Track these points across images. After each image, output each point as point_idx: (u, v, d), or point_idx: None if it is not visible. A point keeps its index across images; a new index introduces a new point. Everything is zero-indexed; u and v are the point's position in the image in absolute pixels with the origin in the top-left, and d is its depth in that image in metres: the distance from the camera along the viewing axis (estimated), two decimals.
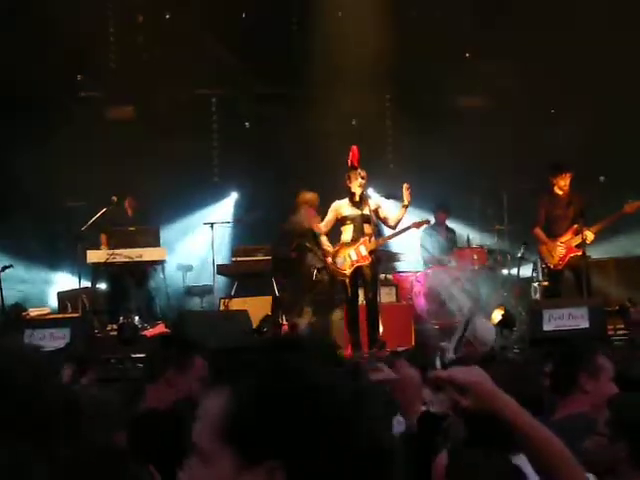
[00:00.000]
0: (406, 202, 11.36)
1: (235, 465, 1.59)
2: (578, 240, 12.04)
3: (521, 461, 2.42)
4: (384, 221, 11.58)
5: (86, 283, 13.66)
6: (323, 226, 11.64)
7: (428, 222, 12.69)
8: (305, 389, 1.62)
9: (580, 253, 12.05)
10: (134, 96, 16.63)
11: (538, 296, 13.34)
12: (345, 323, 11.64)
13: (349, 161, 11.45)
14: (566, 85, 15.51)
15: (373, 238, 11.31)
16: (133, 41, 16.69)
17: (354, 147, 11.52)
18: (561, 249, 12.25)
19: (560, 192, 12.25)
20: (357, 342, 11.23)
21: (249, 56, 16.66)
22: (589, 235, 12.01)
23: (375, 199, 11.70)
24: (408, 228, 11.80)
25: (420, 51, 16.01)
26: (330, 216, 11.57)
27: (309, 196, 13.04)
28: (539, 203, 12.48)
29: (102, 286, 14.17)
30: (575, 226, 12.12)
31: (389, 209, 11.78)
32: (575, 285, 12.27)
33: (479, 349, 6.79)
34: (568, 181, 12.17)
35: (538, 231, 12.44)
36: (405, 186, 11.35)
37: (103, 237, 13.37)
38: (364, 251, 11.24)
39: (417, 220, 12.19)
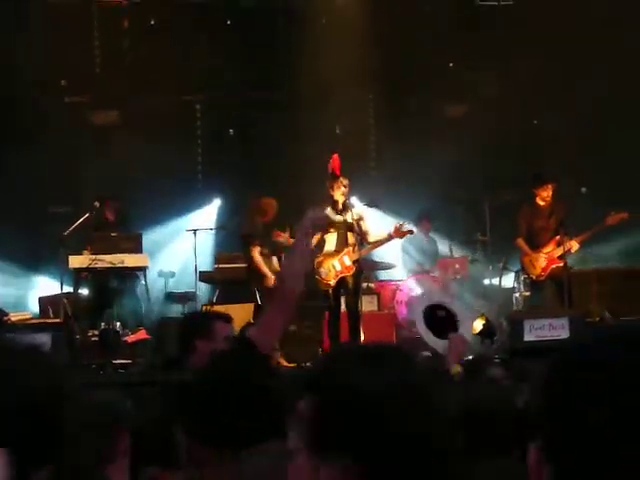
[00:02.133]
0: (392, 235, 11.52)
1: (313, 464, 1.78)
2: (560, 251, 12.10)
3: None
4: (363, 235, 11.55)
5: (68, 288, 13.62)
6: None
7: (411, 232, 12.62)
8: (368, 396, 1.77)
9: (562, 264, 12.10)
10: (118, 102, 16.61)
11: (519, 307, 13.38)
12: (327, 332, 11.66)
13: (330, 169, 11.45)
14: (549, 96, 15.58)
15: (356, 248, 11.31)
16: (118, 46, 16.70)
17: (335, 155, 11.53)
18: (543, 260, 12.30)
19: (542, 203, 12.30)
20: None
21: (234, 63, 16.69)
22: (574, 245, 12.06)
23: (358, 210, 11.68)
24: (391, 238, 11.81)
25: (404, 60, 16.08)
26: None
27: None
28: (521, 214, 12.52)
29: (84, 291, 14.13)
30: (557, 237, 12.18)
31: (370, 225, 11.78)
32: (556, 296, 12.32)
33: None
34: (550, 192, 12.22)
35: (520, 242, 12.49)
36: (399, 227, 11.63)
37: (89, 248, 13.23)
38: (348, 261, 11.25)
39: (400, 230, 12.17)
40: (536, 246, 12.39)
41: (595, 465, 1.37)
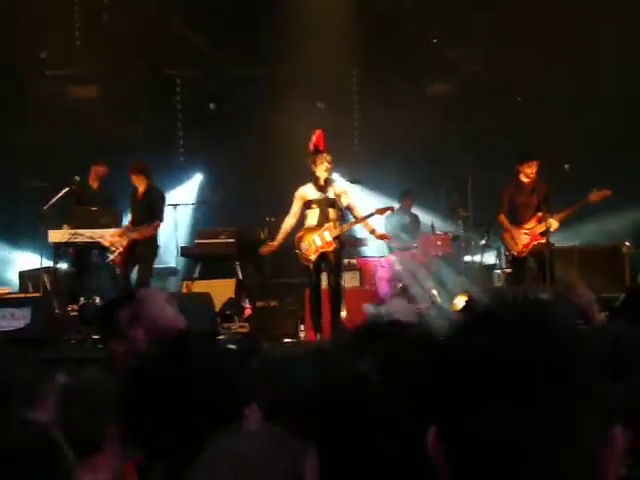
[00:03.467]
0: (372, 230, 11.75)
1: None
2: (542, 228, 12.07)
3: None
4: (348, 209, 11.49)
5: (48, 263, 13.56)
6: (291, 217, 11.45)
7: (392, 209, 12.59)
8: None
9: (544, 241, 12.09)
10: (99, 75, 16.49)
11: (501, 283, 13.38)
12: (308, 308, 11.63)
13: (311, 145, 11.37)
14: (532, 73, 15.54)
15: (338, 223, 11.23)
16: (99, 19, 16.55)
17: (318, 131, 11.46)
18: (525, 237, 12.27)
19: (526, 180, 12.26)
20: (319, 327, 11.21)
21: (215, 37, 16.58)
22: (554, 223, 12.03)
23: (340, 185, 11.60)
24: (372, 215, 11.75)
25: (388, 36, 16.01)
26: (296, 207, 11.38)
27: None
28: (503, 191, 12.48)
29: (63, 266, 14.05)
30: (539, 214, 12.15)
31: (354, 199, 11.70)
32: (538, 273, 12.32)
33: None
34: (535, 169, 12.17)
35: (502, 218, 12.44)
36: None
37: (69, 222, 13.09)
38: (328, 237, 11.17)
39: (381, 207, 12.15)
40: (518, 222, 12.36)
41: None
